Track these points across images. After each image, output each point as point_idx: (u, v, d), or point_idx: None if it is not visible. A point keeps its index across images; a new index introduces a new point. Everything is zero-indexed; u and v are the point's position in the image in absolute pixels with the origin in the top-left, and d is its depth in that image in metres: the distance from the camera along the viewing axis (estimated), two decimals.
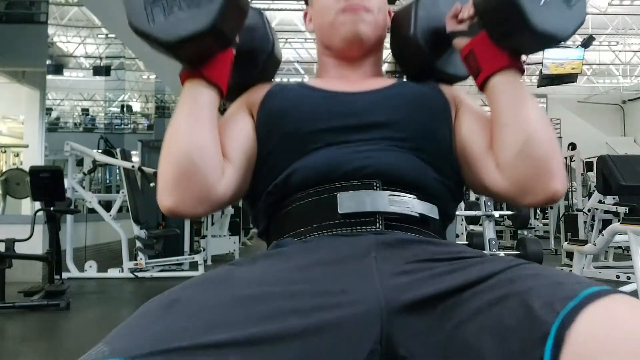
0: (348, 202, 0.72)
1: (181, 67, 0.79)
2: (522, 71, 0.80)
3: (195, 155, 0.72)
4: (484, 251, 0.64)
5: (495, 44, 0.77)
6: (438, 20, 0.88)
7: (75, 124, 9.73)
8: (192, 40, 0.70)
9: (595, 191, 4.95)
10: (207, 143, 0.74)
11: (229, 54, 0.79)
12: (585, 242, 3.69)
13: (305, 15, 0.98)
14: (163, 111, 11.53)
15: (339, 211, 0.72)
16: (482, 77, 0.79)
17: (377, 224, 0.72)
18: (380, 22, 0.90)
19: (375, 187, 0.73)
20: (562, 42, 0.75)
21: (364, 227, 0.71)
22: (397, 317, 0.55)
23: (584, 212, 5.43)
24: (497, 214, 3.69)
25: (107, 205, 5.16)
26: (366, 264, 0.62)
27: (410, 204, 0.74)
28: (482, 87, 0.80)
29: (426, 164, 0.79)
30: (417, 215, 0.74)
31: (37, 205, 3.81)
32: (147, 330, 0.47)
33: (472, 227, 6.38)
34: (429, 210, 0.77)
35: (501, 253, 3.56)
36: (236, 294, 0.53)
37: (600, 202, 4.97)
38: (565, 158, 6.51)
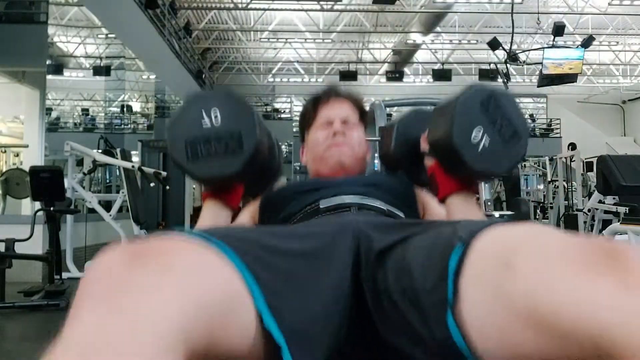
0: (327, 202, 0.94)
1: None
2: (473, 191, 0.96)
3: None
4: None
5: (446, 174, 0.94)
6: (414, 139, 1.03)
7: (75, 124, 9.71)
8: (220, 180, 0.87)
9: (595, 191, 4.95)
10: None
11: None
12: None
13: (301, 150, 1.24)
14: (163, 111, 11.52)
15: (320, 207, 0.93)
16: (439, 197, 0.97)
17: (352, 211, 0.92)
18: (360, 154, 1.16)
19: (349, 194, 0.95)
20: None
21: (341, 213, 0.91)
22: (365, 251, 0.70)
23: (584, 212, 5.43)
24: (497, 214, 3.68)
25: (107, 205, 5.16)
26: (347, 223, 0.78)
27: (378, 202, 0.94)
28: (441, 202, 0.98)
29: (397, 200, 1.00)
30: (385, 209, 0.94)
31: (37, 205, 3.81)
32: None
33: None
34: (397, 210, 0.97)
35: None
36: (255, 230, 0.74)
37: (600, 202, 4.96)
38: (566, 158, 6.52)
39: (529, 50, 10.97)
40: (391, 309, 0.63)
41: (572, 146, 6.53)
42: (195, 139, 0.81)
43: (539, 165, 9.84)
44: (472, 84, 0.89)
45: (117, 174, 6.31)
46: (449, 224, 0.67)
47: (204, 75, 13.74)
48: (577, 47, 10.03)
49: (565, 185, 6.63)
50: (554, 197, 7.85)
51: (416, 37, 15.20)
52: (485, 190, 3.71)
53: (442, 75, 14.56)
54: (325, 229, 0.75)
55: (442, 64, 15.39)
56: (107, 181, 7.79)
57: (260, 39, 17.07)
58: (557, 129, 18.63)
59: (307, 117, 1.20)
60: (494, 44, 9.04)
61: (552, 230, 0.51)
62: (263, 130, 0.86)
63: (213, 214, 0.94)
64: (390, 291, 0.64)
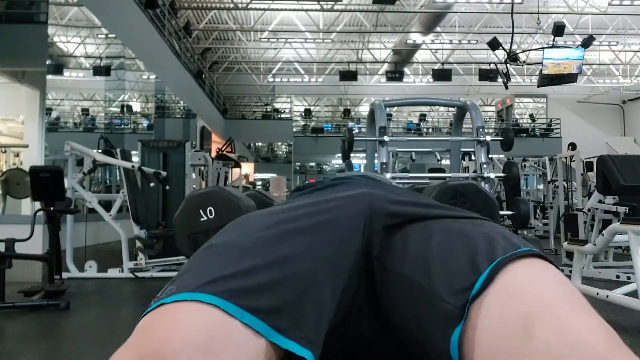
0: (338, 175, 0.96)
1: None
2: None
3: None
4: None
5: None
6: None
7: (75, 124, 9.71)
8: None
9: (595, 191, 4.94)
10: None
11: None
12: (585, 242, 3.69)
13: None
14: (163, 111, 11.52)
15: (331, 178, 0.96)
16: None
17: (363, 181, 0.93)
18: None
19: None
20: None
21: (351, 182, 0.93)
22: (378, 224, 0.71)
23: (584, 212, 5.43)
24: None
25: (107, 205, 5.16)
26: (359, 185, 0.81)
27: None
28: None
29: None
30: (390, 183, 0.99)
31: (37, 205, 3.81)
32: (196, 270, 0.61)
33: None
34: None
35: None
36: (255, 229, 0.68)
37: (600, 202, 4.96)
38: (566, 158, 6.52)
39: (529, 50, 10.97)
40: (399, 294, 0.65)
41: (572, 146, 6.52)
42: (196, 232, 0.95)
43: (539, 165, 9.83)
44: (441, 183, 1.02)
45: (117, 174, 6.31)
46: (476, 224, 0.68)
47: (204, 75, 13.73)
48: (577, 47, 10.02)
49: (565, 185, 6.62)
50: (554, 197, 7.84)
51: (416, 37, 15.19)
52: None
53: (442, 75, 14.56)
54: (330, 203, 0.73)
55: (442, 64, 15.39)
56: (107, 181, 7.79)
57: (260, 39, 17.07)
58: (557, 129, 18.63)
59: None
60: (494, 44, 9.04)
61: (575, 308, 0.52)
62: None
63: None
64: (402, 276, 0.65)
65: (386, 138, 3.53)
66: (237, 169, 8.59)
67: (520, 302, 0.53)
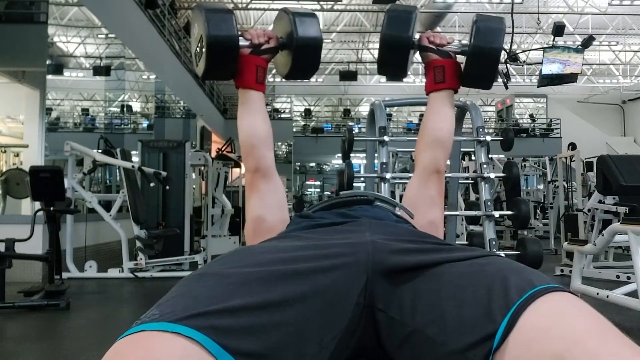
0: (346, 192, 1.04)
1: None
2: (456, 92, 1.18)
3: (250, 138, 1.09)
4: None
5: (459, 76, 1.15)
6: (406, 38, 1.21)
7: (75, 124, 9.70)
8: (209, 77, 1.12)
9: (595, 191, 4.94)
10: (257, 130, 1.09)
11: (251, 65, 1.06)
12: (585, 242, 3.69)
13: None
14: (163, 111, 11.51)
15: (340, 194, 1.05)
16: (444, 87, 1.15)
17: (367, 220, 0.90)
18: None
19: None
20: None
21: (354, 225, 0.89)
22: (381, 276, 0.69)
23: (584, 212, 5.43)
24: (497, 214, 3.67)
25: (107, 205, 5.16)
26: (361, 231, 0.79)
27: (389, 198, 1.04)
28: (432, 91, 1.16)
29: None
30: (395, 202, 1.05)
31: (37, 205, 3.81)
32: (184, 298, 0.60)
33: (472, 227, 6.37)
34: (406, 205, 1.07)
35: (501, 253, 3.54)
36: (250, 264, 0.67)
37: (600, 202, 4.96)
38: (566, 158, 6.52)
39: (529, 50, 10.97)
40: (412, 348, 0.64)
41: (572, 146, 6.52)
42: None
43: (539, 165, 9.83)
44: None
45: (117, 174, 6.31)
46: (480, 264, 0.66)
47: None
48: (577, 47, 10.00)
49: (565, 185, 6.62)
50: (554, 197, 7.84)
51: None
52: (485, 191, 3.72)
53: None
54: (331, 249, 0.71)
55: None
56: (107, 181, 7.78)
57: None
58: (557, 129, 18.62)
59: None
60: None
61: (604, 336, 0.52)
62: (223, 29, 1.00)
63: (242, 99, 1.09)
64: (416, 331, 0.63)
65: (386, 138, 3.53)
66: (237, 169, 8.58)
67: (547, 343, 0.52)
